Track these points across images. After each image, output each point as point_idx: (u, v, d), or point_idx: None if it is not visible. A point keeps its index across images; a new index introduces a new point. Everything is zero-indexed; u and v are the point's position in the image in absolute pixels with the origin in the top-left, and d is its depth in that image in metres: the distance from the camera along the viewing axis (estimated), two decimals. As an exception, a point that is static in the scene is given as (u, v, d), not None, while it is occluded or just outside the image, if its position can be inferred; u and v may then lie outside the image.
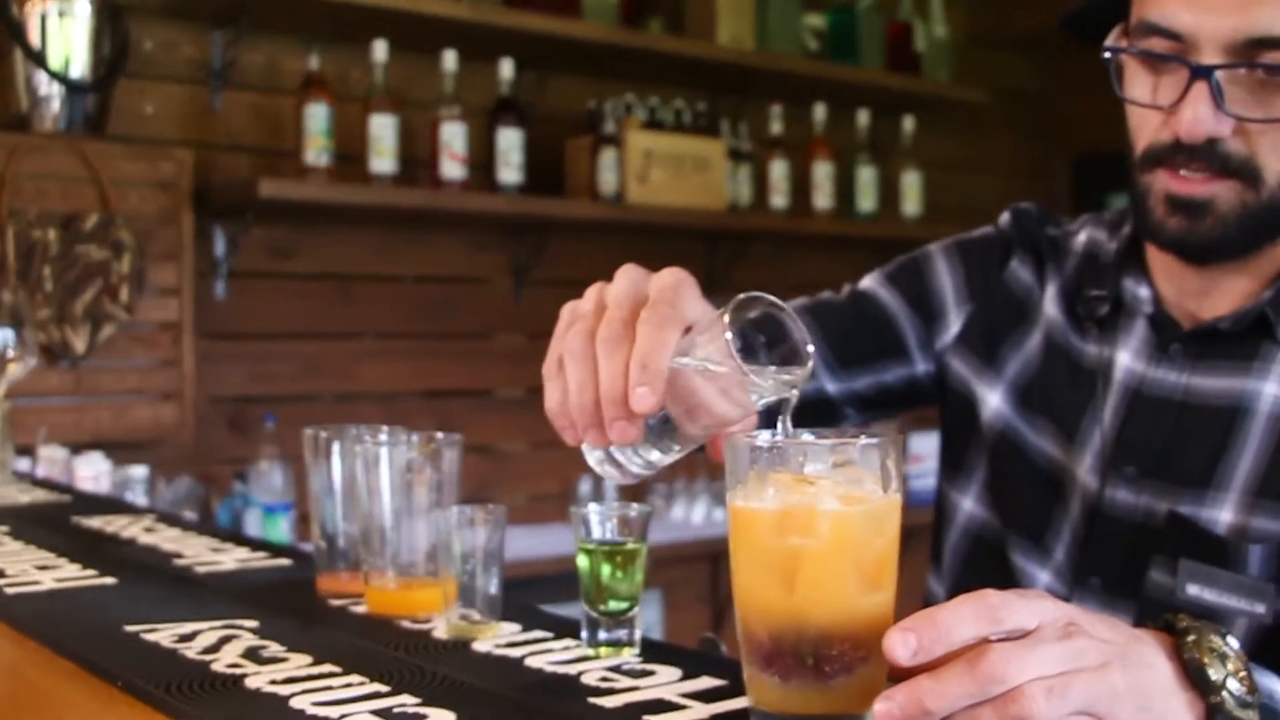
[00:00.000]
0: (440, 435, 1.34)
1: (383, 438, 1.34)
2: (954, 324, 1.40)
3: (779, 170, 3.92)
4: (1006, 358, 1.35)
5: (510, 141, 3.36)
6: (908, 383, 1.43)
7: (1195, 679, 0.79)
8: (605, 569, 1.12)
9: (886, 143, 4.28)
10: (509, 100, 3.40)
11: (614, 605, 1.12)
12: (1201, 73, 1.07)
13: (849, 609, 0.84)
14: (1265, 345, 1.17)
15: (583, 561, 1.13)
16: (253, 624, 1.22)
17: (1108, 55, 1.17)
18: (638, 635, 1.13)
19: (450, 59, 3.28)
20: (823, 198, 4.00)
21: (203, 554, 1.59)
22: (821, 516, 0.84)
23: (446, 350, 3.60)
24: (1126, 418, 1.23)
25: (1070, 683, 0.73)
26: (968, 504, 1.35)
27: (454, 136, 3.27)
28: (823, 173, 4.00)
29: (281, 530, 3.04)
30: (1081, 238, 1.34)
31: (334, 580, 1.40)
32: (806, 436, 0.90)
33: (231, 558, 1.57)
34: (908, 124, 4.22)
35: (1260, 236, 1.15)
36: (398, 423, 3.56)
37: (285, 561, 1.58)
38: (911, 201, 4.21)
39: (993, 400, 1.34)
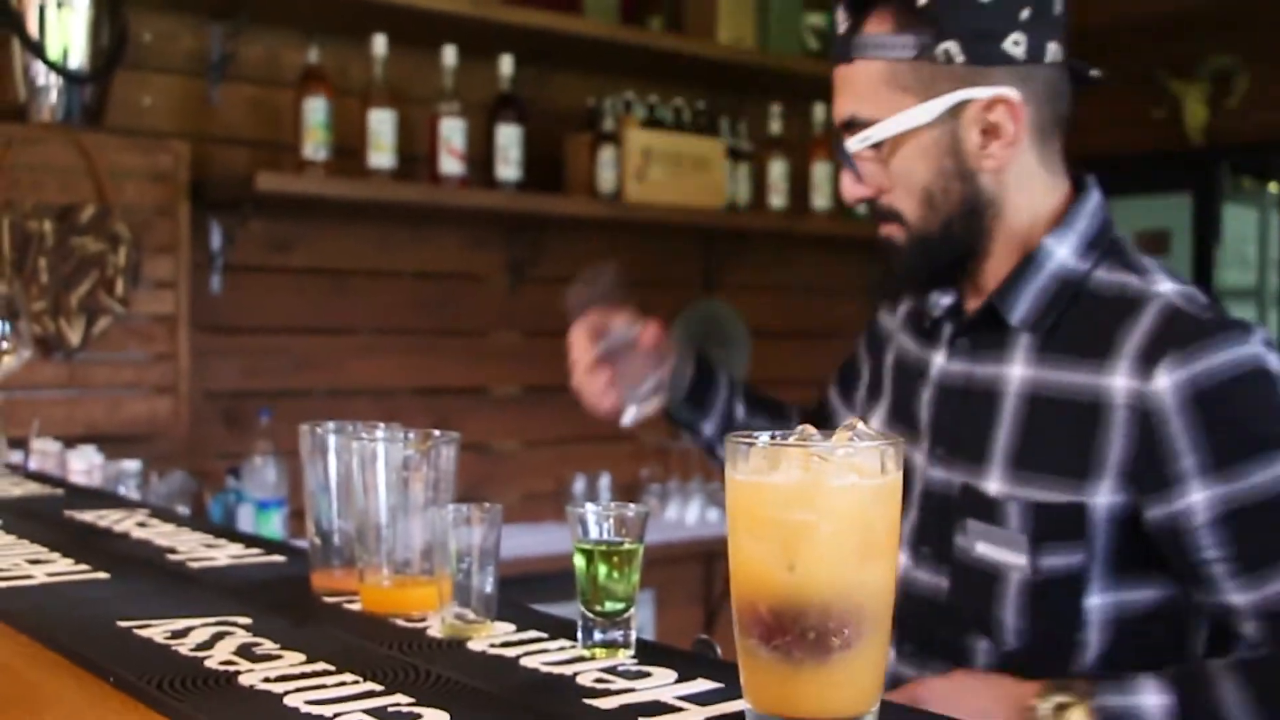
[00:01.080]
0: (437, 433, 1.33)
1: (379, 434, 1.34)
2: (866, 378, 1.67)
3: (778, 170, 3.91)
4: (883, 385, 1.60)
5: (509, 138, 3.35)
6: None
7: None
8: (602, 569, 1.11)
9: (886, 143, 4.27)
10: (508, 96, 3.39)
11: (610, 606, 1.12)
12: (842, 154, 1.41)
13: (852, 583, 0.85)
14: (1007, 333, 1.37)
15: (579, 561, 1.12)
16: (246, 621, 1.22)
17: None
18: (633, 637, 1.13)
19: (450, 54, 3.27)
20: (821, 198, 3.99)
21: (196, 549, 1.58)
22: (830, 491, 0.85)
23: (442, 347, 3.59)
24: (936, 407, 1.45)
25: None
26: None
27: (453, 132, 3.26)
28: (822, 173, 3.99)
29: (274, 526, 3.03)
30: None
31: (328, 577, 1.39)
32: (810, 429, 0.93)
33: (225, 554, 1.57)
34: (907, 125, 4.21)
35: (939, 263, 1.40)
36: (392, 419, 3.54)
37: (279, 558, 1.57)
38: (910, 202, 4.20)
39: (874, 423, 1.56)
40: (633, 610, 1.13)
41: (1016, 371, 1.36)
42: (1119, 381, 1.26)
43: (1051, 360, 1.33)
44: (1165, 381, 1.23)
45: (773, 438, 0.89)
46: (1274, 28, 4.46)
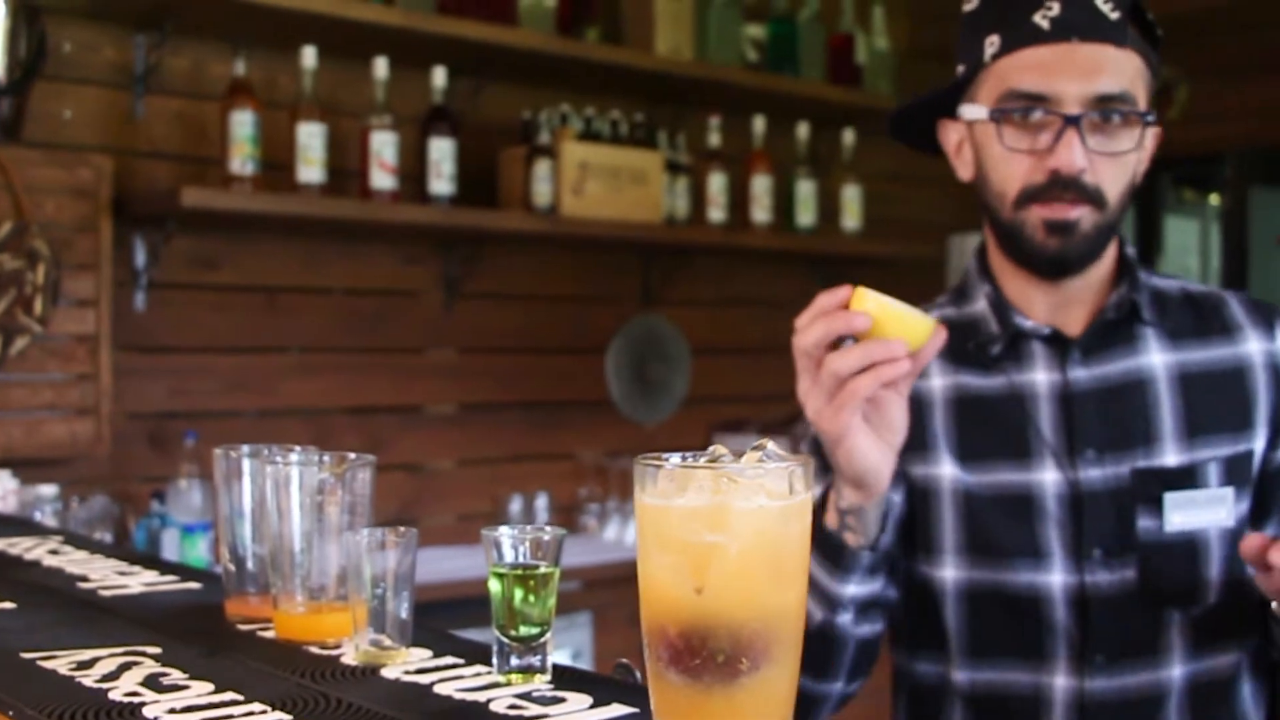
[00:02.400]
0: (353, 455, 1.29)
1: (294, 458, 1.29)
2: None
3: (717, 183, 3.88)
4: (932, 438, 1.56)
5: (442, 151, 3.29)
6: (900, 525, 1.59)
7: None
8: (517, 593, 1.09)
9: (827, 156, 4.26)
10: (441, 109, 3.33)
11: (525, 630, 1.10)
12: (1072, 120, 1.41)
13: (760, 606, 0.86)
14: (1137, 327, 1.51)
15: (494, 585, 1.11)
16: (155, 650, 1.19)
17: (988, 116, 1.47)
18: (549, 661, 1.11)
19: (381, 66, 3.21)
20: (761, 211, 3.96)
21: (109, 577, 1.55)
22: (737, 513, 0.86)
23: (375, 365, 3.52)
24: (1068, 416, 1.49)
25: None
26: (949, 573, 1.53)
27: (384, 146, 3.19)
28: (762, 186, 3.96)
29: (200, 550, 2.95)
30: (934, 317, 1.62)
31: (243, 604, 1.36)
32: (720, 449, 0.93)
33: (139, 581, 1.53)
34: (848, 137, 4.20)
35: (1100, 250, 1.49)
36: (324, 440, 3.49)
37: (195, 585, 1.54)
38: (851, 216, 4.18)
39: (945, 471, 1.55)
40: (549, 635, 1.11)
41: (1158, 359, 1.50)
42: (1254, 346, 1.51)
43: (1183, 345, 1.51)
44: None
45: (683, 459, 0.89)
46: (1214, 42, 4.49)
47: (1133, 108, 1.43)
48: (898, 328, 1.24)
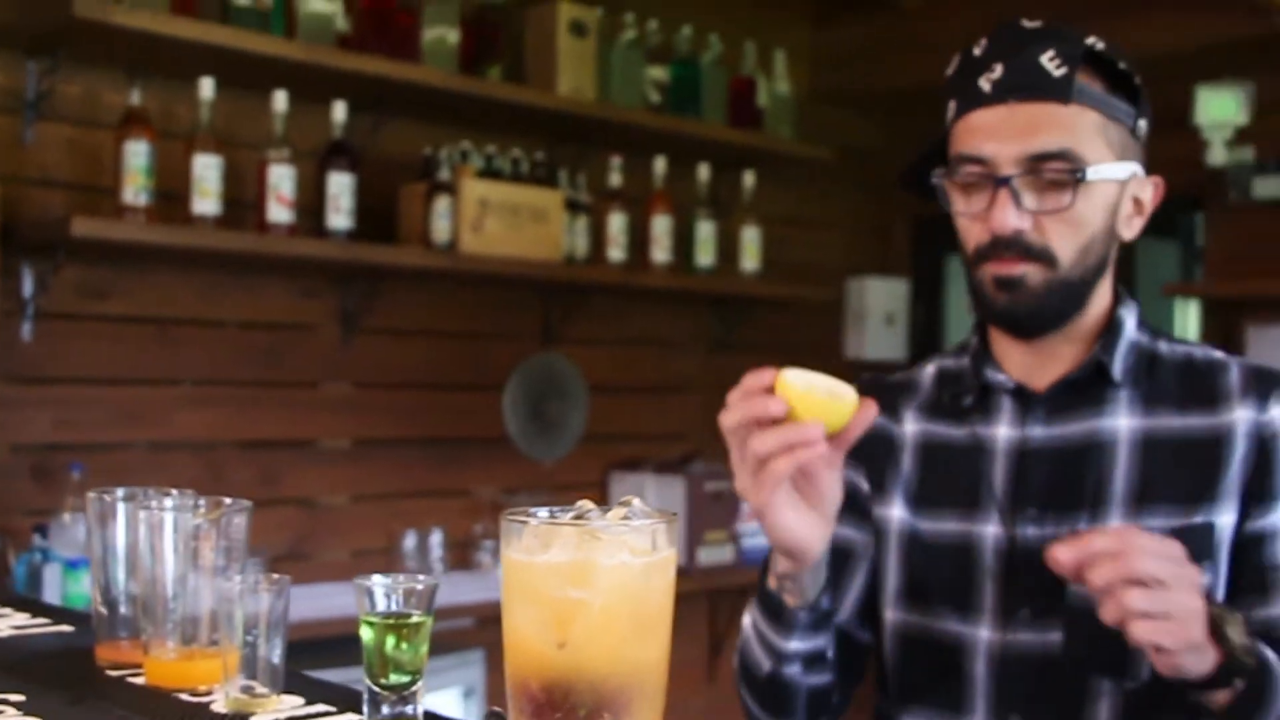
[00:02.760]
0: (228, 500, 1.28)
1: (169, 502, 1.28)
2: (864, 485, 1.63)
3: (617, 223, 3.90)
4: (892, 481, 1.61)
5: (341, 186, 3.28)
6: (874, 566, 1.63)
7: (1214, 630, 1.27)
8: (389, 642, 1.09)
9: (727, 197, 4.30)
10: (341, 144, 3.32)
11: (397, 679, 1.10)
12: (1002, 181, 1.43)
13: (623, 660, 0.87)
14: (1105, 390, 1.49)
15: (366, 634, 1.11)
16: (19, 698, 1.16)
17: (935, 183, 1.51)
18: (420, 710, 1.11)
19: (280, 100, 3.19)
20: (661, 251, 3.99)
21: (-24, 620, 1.50)
22: (600, 570, 0.88)
23: (269, 399, 3.48)
24: (1018, 473, 1.51)
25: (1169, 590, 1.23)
26: (889, 614, 1.58)
27: (282, 179, 3.17)
28: (662, 226, 3.99)
29: (83, 586, 2.89)
30: (930, 369, 1.66)
31: (114, 649, 1.34)
32: (587, 504, 0.95)
33: (8, 624, 1.49)
34: (748, 179, 4.24)
35: (1066, 309, 1.48)
36: (216, 473, 3.44)
37: (67, 628, 1.51)
38: (750, 257, 4.22)
39: (894, 514, 1.59)
40: (420, 683, 1.11)
41: (1124, 422, 1.48)
42: (1239, 415, 1.45)
43: (1156, 411, 1.48)
44: (1278, 411, 1.45)
45: (550, 514, 0.90)
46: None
47: (1073, 164, 1.42)
48: (816, 411, 1.25)
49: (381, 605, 1.11)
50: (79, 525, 2.96)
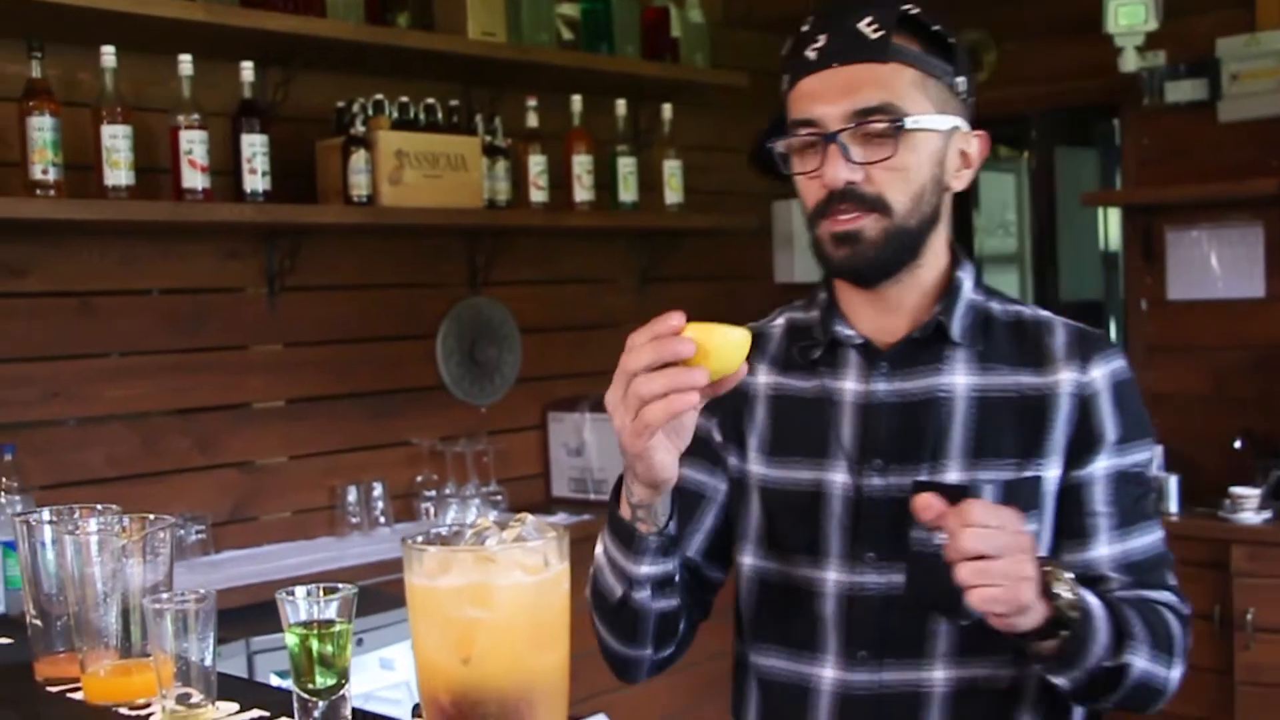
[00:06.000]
0: (151, 517, 1.29)
1: (94, 524, 1.29)
2: (716, 435, 1.71)
3: (537, 164, 3.88)
4: (748, 433, 1.69)
5: (254, 147, 3.24)
6: (725, 511, 1.72)
7: (1044, 585, 1.37)
8: (314, 647, 1.13)
9: (646, 130, 4.29)
10: (251, 103, 3.28)
11: (323, 683, 1.13)
12: (830, 138, 1.53)
13: (525, 672, 0.93)
14: (945, 348, 1.59)
15: (290, 641, 1.14)
16: None
17: (774, 149, 1.58)
18: (348, 712, 1.15)
19: (186, 64, 3.14)
20: (583, 190, 3.98)
21: (-89, 636, 1.51)
22: (497, 590, 0.93)
23: (199, 364, 3.46)
24: (864, 425, 1.60)
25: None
26: (747, 560, 1.67)
27: (194, 144, 3.13)
28: (582, 164, 3.98)
29: (25, 568, 2.89)
30: (780, 321, 1.74)
31: (52, 664, 1.36)
32: (485, 523, 1.00)
33: None
34: (666, 111, 4.23)
35: (903, 257, 1.57)
36: (151, 442, 3.43)
37: (5, 640, 1.52)
38: (674, 190, 4.22)
39: (751, 463, 1.68)
40: (347, 686, 1.14)
41: (961, 380, 1.58)
42: (1064, 375, 1.57)
43: (991, 369, 1.59)
44: (1098, 372, 1.57)
45: (449, 530, 0.96)
46: (1020, 4, 4.62)
47: (893, 115, 1.52)
48: (724, 350, 1.30)
49: (305, 614, 1.14)
50: (15, 506, 2.95)
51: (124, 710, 1.25)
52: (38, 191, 2.93)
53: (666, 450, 1.37)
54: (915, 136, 1.53)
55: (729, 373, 1.32)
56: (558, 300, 4.27)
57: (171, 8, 3.05)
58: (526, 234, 4.10)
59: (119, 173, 3.02)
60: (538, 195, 3.89)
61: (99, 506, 1.36)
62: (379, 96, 3.57)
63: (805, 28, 1.59)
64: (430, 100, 3.68)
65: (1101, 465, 1.56)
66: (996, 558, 1.33)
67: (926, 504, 1.37)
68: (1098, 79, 4.41)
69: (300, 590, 1.13)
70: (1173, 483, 4.12)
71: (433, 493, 3.86)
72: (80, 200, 3.01)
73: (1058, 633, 1.40)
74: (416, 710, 1.19)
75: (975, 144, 1.62)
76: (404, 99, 3.62)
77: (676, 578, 1.57)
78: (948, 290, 1.61)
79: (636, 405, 1.30)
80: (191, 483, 3.43)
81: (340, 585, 1.14)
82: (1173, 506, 4.11)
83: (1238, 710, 3.91)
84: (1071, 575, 1.42)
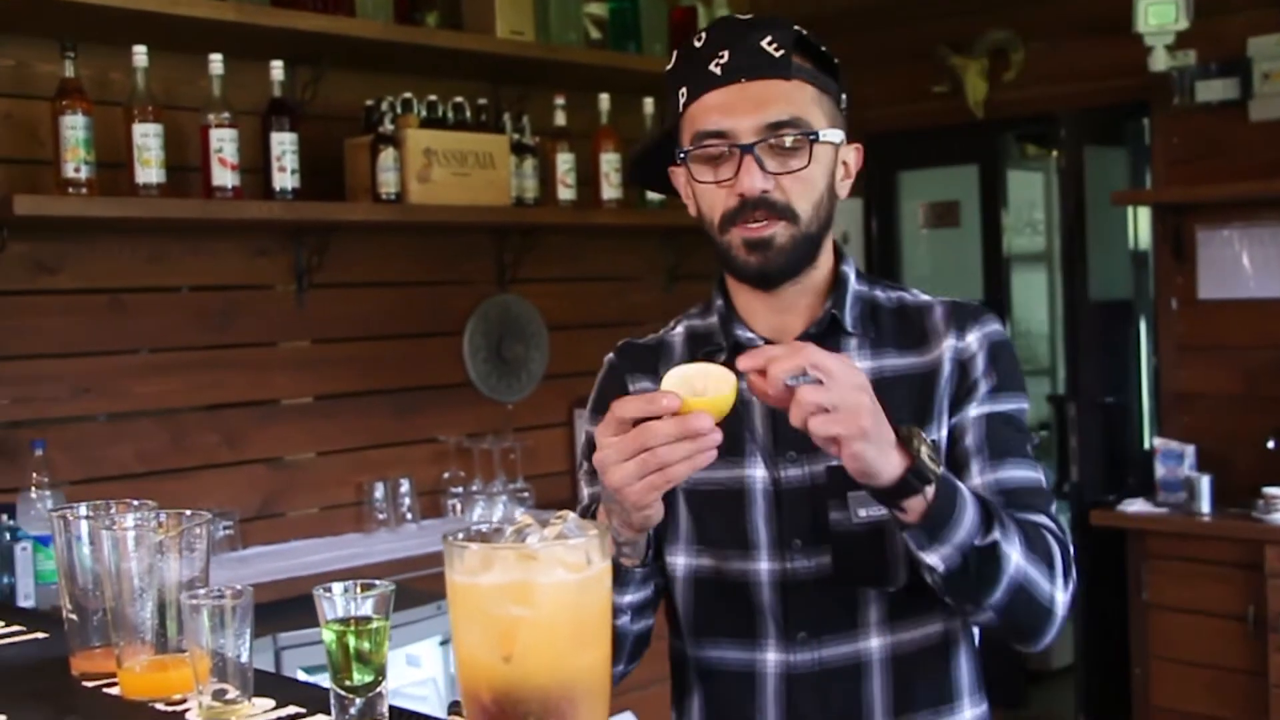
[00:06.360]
0: (188, 513, 1.29)
1: (131, 520, 1.29)
2: None
3: (565, 162, 3.89)
4: None
5: (284, 145, 3.25)
6: None
7: (904, 443, 1.42)
8: (351, 645, 1.13)
9: (673, 129, 4.28)
10: (281, 102, 3.29)
11: (360, 679, 1.13)
12: (747, 149, 1.58)
13: (566, 670, 0.93)
14: (840, 338, 1.68)
15: (328, 638, 1.15)
16: (2, 718, 1.18)
17: (682, 158, 1.63)
18: (385, 709, 1.15)
19: (217, 63, 3.15)
20: (610, 188, 3.99)
21: (-49, 631, 1.53)
22: (539, 588, 0.93)
23: (228, 361, 3.48)
24: (775, 420, 1.66)
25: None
26: (680, 560, 1.71)
27: (224, 142, 3.15)
28: (610, 162, 3.98)
29: (55, 564, 2.90)
30: (679, 330, 1.80)
31: (88, 659, 1.36)
32: (526, 520, 1.01)
33: None
34: (693, 110, 4.21)
35: (805, 261, 1.65)
36: (180, 438, 3.44)
37: (41, 635, 1.53)
38: (699, 188, 4.21)
39: None
40: (384, 683, 1.14)
41: (857, 366, 1.60)
42: (945, 345, 1.67)
43: (881, 353, 1.68)
44: (973, 336, 1.68)
45: (489, 528, 0.95)
46: (1048, 4, 4.61)
47: (803, 129, 1.59)
48: (720, 405, 1.36)
49: (341, 611, 1.14)
50: (46, 501, 2.97)
51: (160, 705, 1.25)
52: (70, 190, 2.96)
53: (658, 503, 1.44)
54: (817, 148, 1.61)
55: (728, 411, 1.37)
56: (585, 297, 4.27)
57: (202, 7, 3.07)
58: (554, 232, 4.11)
59: (150, 171, 3.04)
60: (565, 193, 3.89)
61: (135, 502, 1.37)
62: (408, 95, 3.58)
63: (698, 43, 1.64)
64: (458, 99, 3.69)
65: (975, 410, 1.65)
66: (833, 378, 1.38)
67: (741, 361, 1.40)
68: (1127, 78, 4.38)
69: (337, 586, 1.14)
70: (1205, 483, 4.10)
71: (459, 489, 3.87)
72: (112, 198, 3.03)
73: (921, 489, 1.44)
74: (453, 708, 1.19)
75: (853, 155, 1.70)
76: (432, 97, 3.63)
77: (652, 601, 1.65)
78: (835, 285, 1.70)
79: (654, 466, 1.35)
80: (220, 478, 3.45)
81: (378, 581, 1.14)
82: (1205, 507, 4.08)
83: (1272, 712, 3.88)
84: (932, 439, 1.48)
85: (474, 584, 0.93)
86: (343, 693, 1.14)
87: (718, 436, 1.35)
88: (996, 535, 1.48)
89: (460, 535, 0.98)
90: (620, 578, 1.54)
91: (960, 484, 1.49)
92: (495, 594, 0.92)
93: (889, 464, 1.42)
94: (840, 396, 1.37)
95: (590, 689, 0.92)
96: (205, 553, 1.29)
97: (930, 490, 1.44)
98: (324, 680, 1.23)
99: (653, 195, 4.10)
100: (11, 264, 3.11)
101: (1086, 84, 4.54)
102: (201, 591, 1.22)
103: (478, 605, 0.93)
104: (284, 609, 2.88)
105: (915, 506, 1.46)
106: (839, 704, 1.63)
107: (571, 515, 0.99)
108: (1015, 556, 1.50)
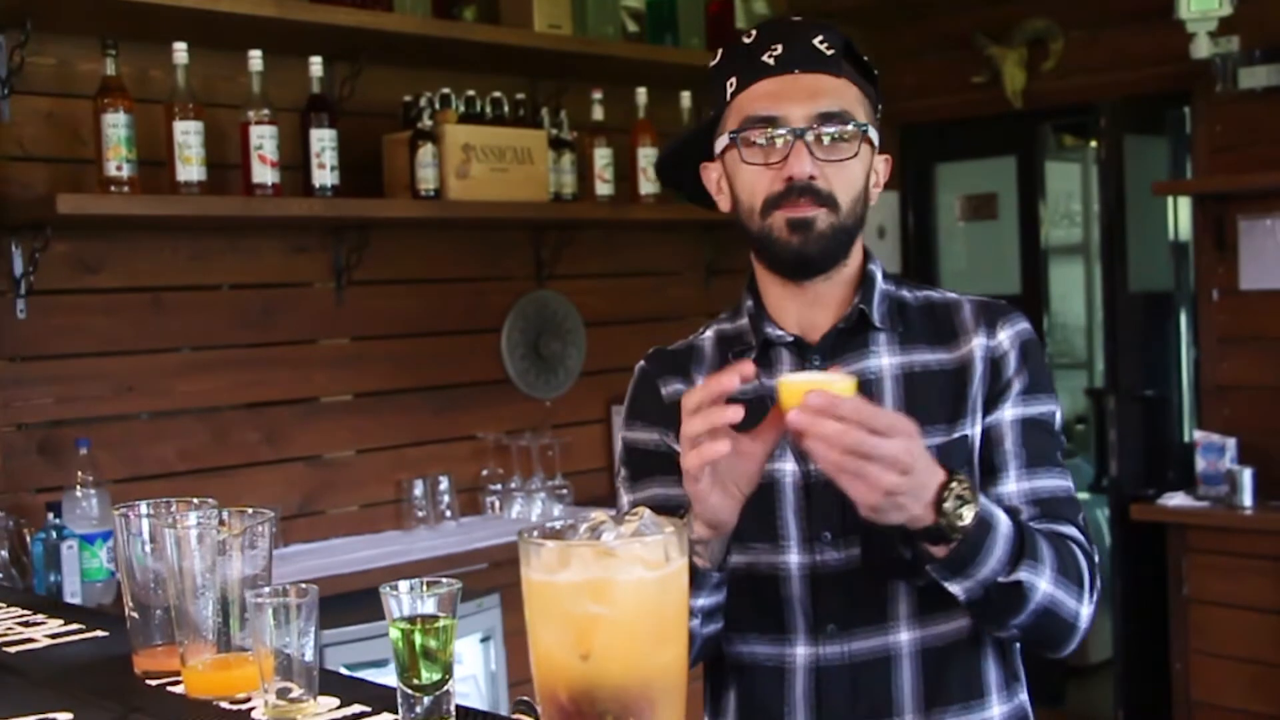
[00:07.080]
0: (250, 511, 1.29)
1: (193, 517, 1.29)
2: (674, 447, 1.71)
3: (603, 157, 3.88)
4: None
5: (323, 142, 3.25)
6: None
7: (938, 499, 1.44)
8: (417, 643, 1.13)
9: (709, 123, 4.26)
10: (320, 98, 3.29)
11: (427, 678, 1.13)
12: (799, 134, 1.63)
13: (644, 669, 0.92)
14: (868, 334, 1.71)
15: (395, 636, 1.15)
16: (67, 716, 1.18)
17: (729, 140, 1.66)
18: (452, 707, 1.15)
19: (256, 59, 3.15)
20: (648, 182, 3.97)
21: (13, 629, 1.53)
22: (617, 586, 0.92)
23: (268, 359, 3.48)
24: None
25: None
26: None
27: (264, 139, 3.15)
28: (647, 157, 3.97)
29: (101, 560, 2.92)
30: (709, 334, 1.82)
31: (150, 658, 1.36)
32: (600, 517, 1.01)
33: (43, 633, 1.52)
34: (730, 103, 4.20)
35: (840, 253, 1.68)
36: (221, 436, 3.44)
37: (101, 633, 1.53)
38: (737, 181, 4.19)
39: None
40: (451, 681, 1.14)
41: (885, 361, 1.70)
42: (975, 343, 1.70)
43: (910, 349, 1.71)
44: (1004, 334, 1.71)
45: (564, 525, 0.95)
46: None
47: (853, 122, 1.66)
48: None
49: (408, 609, 1.13)
50: (90, 499, 2.98)
51: (224, 704, 1.24)
52: (112, 188, 2.96)
53: (722, 496, 1.48)
54: (861, 145, 1.67)
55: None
56: (622, 293, 4.26)
57: (242, 4, 3.07)
58: (592, 227, 4.09)
59: (191, 168, 3.04)
60: (603, 188, 3.88)
61: (194, 500, 1.36)
62: (446, 90, 3.58)
63: (750, 39, 1.69)
64: (496, 94, 3.68)
65: (1010, 412, 1.68)
66: (869, 458, 1.39)
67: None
68: (1169, 66, 4.34)
69: (404, 585, 1.13)
70: (1247, 475, 4.06)
71: (498, 486, 3.87)
72: (153, 196, 3.04)
73: (949, 538, 1.46)
74: (519, 706, 1.18)
75: (884, 165, 1.76)
76: (470, 93, 3.63)
77: (725, 606, 1.66)
78: (863, 282, 1.73)
79: (687, 447, 1.43)
80: (260, 476, 3.45)
81: (443, 579, 1.13)
82: (1247, 500, 4.04)
83: (1314, 707, 3.85)
84: (967, 486, 1.46)
85: (551, 581, 0.92)
86: (410, 691, 1.14)
87: (733, 414, 1.38)
88: (1023, 574, 1.51)
89: (535, 532, 0.97)
90: (694, 580, 1.54)
91: (996, 522, 1.50)
92: (573, 592, 0.91)
93: (902, 516, 1.44)
94: (911, 482, 1.40)
95: (667, 687, 0.91)
96: (268, 551, 1.28)
97: (958, 537, 1.46)
98: (375, 676, 1.23)
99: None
100: (54, 263, 3.11)
101: (1127, 72, 4.50)
102: (266, 590, 1.21)
103: (555, 603, 0.92)
104: (325, 607, 2.86)
105: (937, 551, 1.48)
106: (868, 697, 1.64)
107: (647, 512, 0.98)
108: (1043, 585, 1.53)
